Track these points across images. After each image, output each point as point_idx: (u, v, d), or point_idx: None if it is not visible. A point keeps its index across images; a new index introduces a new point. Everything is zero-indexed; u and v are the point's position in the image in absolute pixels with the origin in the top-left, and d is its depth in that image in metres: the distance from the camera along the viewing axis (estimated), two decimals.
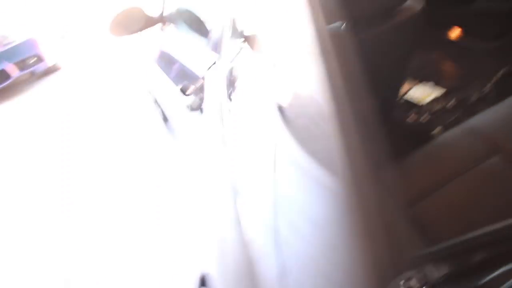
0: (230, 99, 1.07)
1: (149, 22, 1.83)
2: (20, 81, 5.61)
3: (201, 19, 1.59)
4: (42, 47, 5.48)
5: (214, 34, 1.36)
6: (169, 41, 1.78)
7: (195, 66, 1.46)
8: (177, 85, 1.54)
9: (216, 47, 1.29)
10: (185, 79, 1.48)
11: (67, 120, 3.91)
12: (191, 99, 1.35)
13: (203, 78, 1.33)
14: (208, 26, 1.50)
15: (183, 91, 1.42)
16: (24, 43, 5.33)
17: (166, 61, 1.79)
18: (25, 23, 5.50)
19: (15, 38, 5.33)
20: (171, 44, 1.76)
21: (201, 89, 1.33)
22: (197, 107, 1.34)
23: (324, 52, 0.62)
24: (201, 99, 1.32)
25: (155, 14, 1.86)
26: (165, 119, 2.73)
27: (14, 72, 5.26)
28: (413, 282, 0.48)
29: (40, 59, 5.48)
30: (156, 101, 2.74)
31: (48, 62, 5.58)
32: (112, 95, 4.23)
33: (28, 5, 5.73)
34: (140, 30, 1.84)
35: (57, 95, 4.87)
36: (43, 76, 5.72)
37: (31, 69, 5.43)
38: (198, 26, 1.59)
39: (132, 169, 2.77)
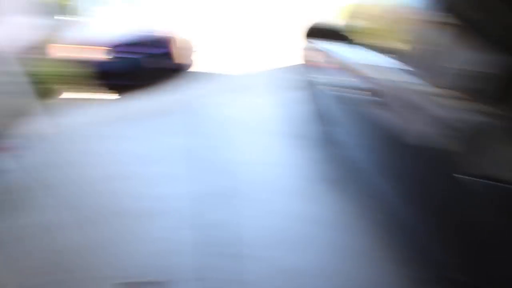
0: None
1: (333, 34, 2.27)
2: (149, 74, 6.41)
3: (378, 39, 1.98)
4: (177, 45, 6.25)
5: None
6: (354, 54, 2.15)
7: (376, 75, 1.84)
8: (361, 90, 1.92)
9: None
10: (370, 84, 1.87)
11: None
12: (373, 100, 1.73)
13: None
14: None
15: (371, 91, 1.82)
16: (161, 39, 6.12)
17: (348, 70, 2.18)
18: (170, 22, 6.30)
19: (154, 32, 6.13)
20: (355, 56, 2.14)
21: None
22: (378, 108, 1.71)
23: None
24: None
25: (340, 28, 2.28)
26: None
27: (145, 63, 5.97)
28: None
29: (172, 56, 6.20)
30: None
31: (180, 60, 6.28)
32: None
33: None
34: (326, 39, 2.29)
35: (183, 91, 5.49)
36: (172, 73, 6.28)
37: (163, 63, 6.11)
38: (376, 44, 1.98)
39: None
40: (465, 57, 1.26)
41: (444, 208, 1.32)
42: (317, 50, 2.73)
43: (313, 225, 2.32)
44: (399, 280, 1.86)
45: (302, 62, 3.15)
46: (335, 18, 2.26)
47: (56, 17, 6.50)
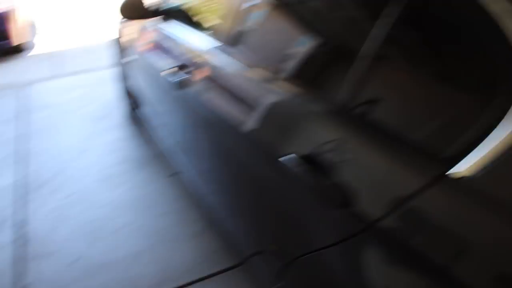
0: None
1: (145, 13, 2.14)
2: None
3: (192, 17, 1.94)
4: (12, 25, 5.39)
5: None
6: (163, 32, 2.09)
7: (187, 52, 1.79)
8: (170, 67, 1.85)
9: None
10: (180, 62, 1.79)
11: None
12: (182, 77, 1.68)
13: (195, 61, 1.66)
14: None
15: (181, 68, 1.75)
16: None
17: (159, 48, 2.10)
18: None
19: None
20: (165, 34, 2.07)
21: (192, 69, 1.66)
22: (185, 86, 1.67)
23: None
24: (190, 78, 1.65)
25: (152, 7, 2.16)
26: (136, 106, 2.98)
27: None
28: None
29: (4, 36, 5.38)
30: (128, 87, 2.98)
31: (14, 41, 5.46)
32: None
33: None
34: (139, 18, 2.15)
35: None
36: (4, 54, 5.53)
37: None
38: (190, 22, 1.93)
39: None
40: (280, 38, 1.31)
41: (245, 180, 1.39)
42: (131, 27, 2.59)
43: (116, 210, 2.37)
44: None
45: (118, 39, 2.97)
46: None
47: None
